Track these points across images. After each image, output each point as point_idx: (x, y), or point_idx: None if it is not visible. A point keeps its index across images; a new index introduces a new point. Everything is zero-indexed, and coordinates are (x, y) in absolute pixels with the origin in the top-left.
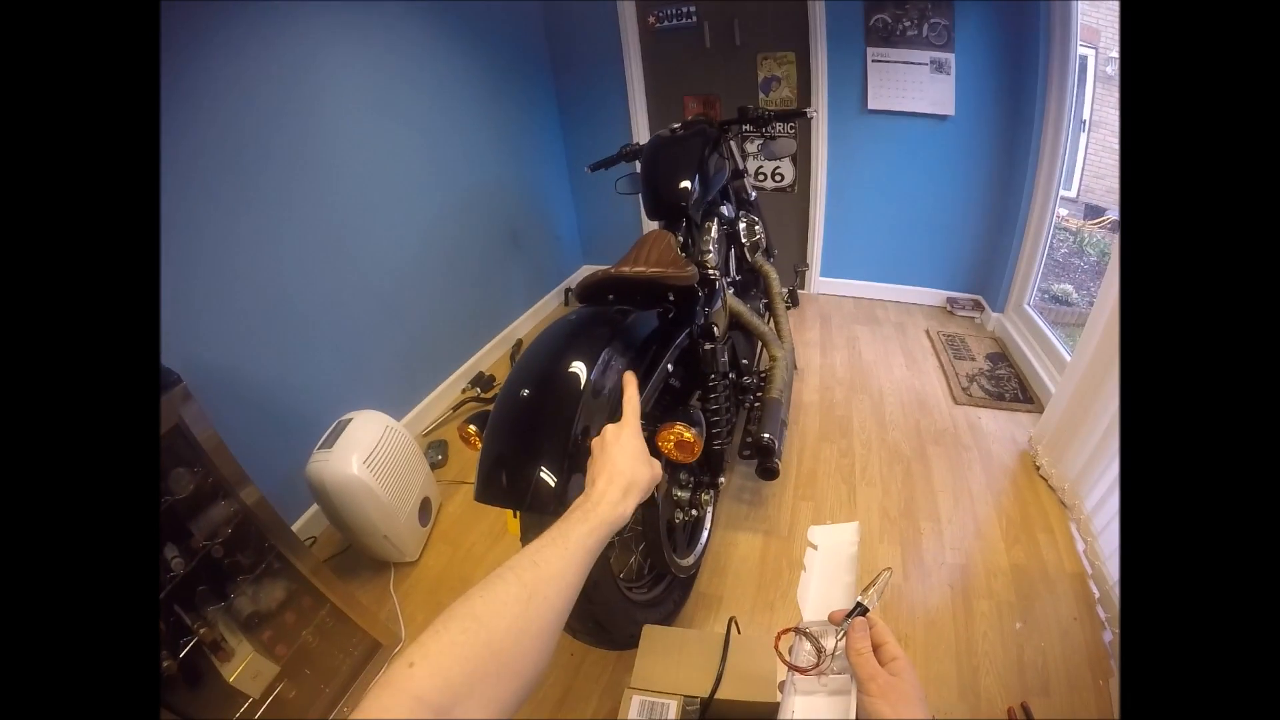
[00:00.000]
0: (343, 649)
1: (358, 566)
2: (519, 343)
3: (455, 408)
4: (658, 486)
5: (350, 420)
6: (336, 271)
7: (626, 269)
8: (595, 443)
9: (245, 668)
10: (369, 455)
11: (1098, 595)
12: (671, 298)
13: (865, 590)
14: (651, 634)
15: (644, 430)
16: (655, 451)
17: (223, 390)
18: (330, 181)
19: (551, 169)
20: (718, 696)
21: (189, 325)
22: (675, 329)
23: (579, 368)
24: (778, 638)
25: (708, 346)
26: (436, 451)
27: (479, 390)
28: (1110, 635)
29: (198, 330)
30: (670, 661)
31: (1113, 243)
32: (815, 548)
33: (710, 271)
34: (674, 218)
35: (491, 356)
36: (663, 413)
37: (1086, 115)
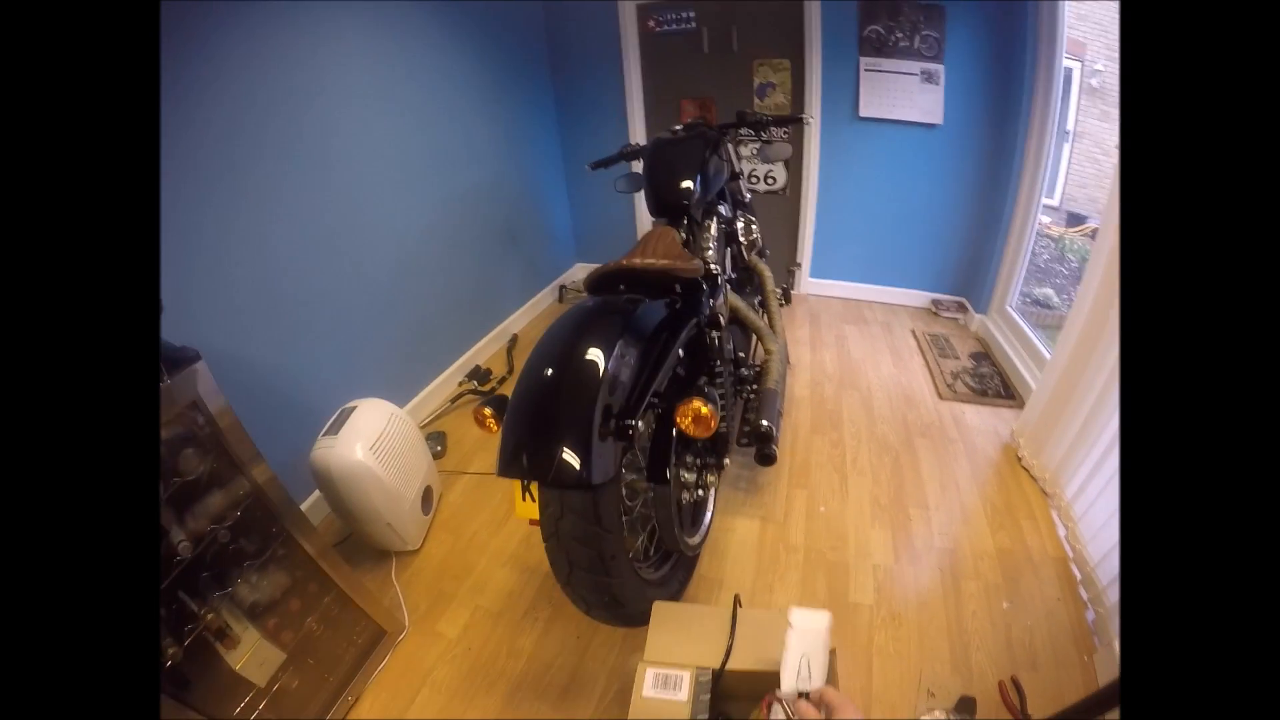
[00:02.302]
0: (347, 637)
1: (359, 556)
2: (514, 337)
3: (453, 400)
4: (668, 467)
5: (354, 408)
6: (336, 262)
7: (638, 261)
8: None
9: (251, 655)
10: (374, 442)
11: (1079, 577)
12: (678, 289)
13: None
14: (662, 609)
15: (659, 408)
16: (673, 426)
17: (222, 378)
18: (332, 173)
19: (548, 167)
20: (728, 668)
21: (191, 312)
22: (682, 319)
23: (598, 353)
24: (765, 705)
25: (714, 334)
26: (435, 442)
27: (476, 383)
28: (1093, 614)
29: (199, 318)
30: (681, 635)
31: (1092, 249)
32: (792, 627)
33: (713, 267)
34: (676, 216)
35: (488, 350)
36: (676, 392)
37: (1070, 126)
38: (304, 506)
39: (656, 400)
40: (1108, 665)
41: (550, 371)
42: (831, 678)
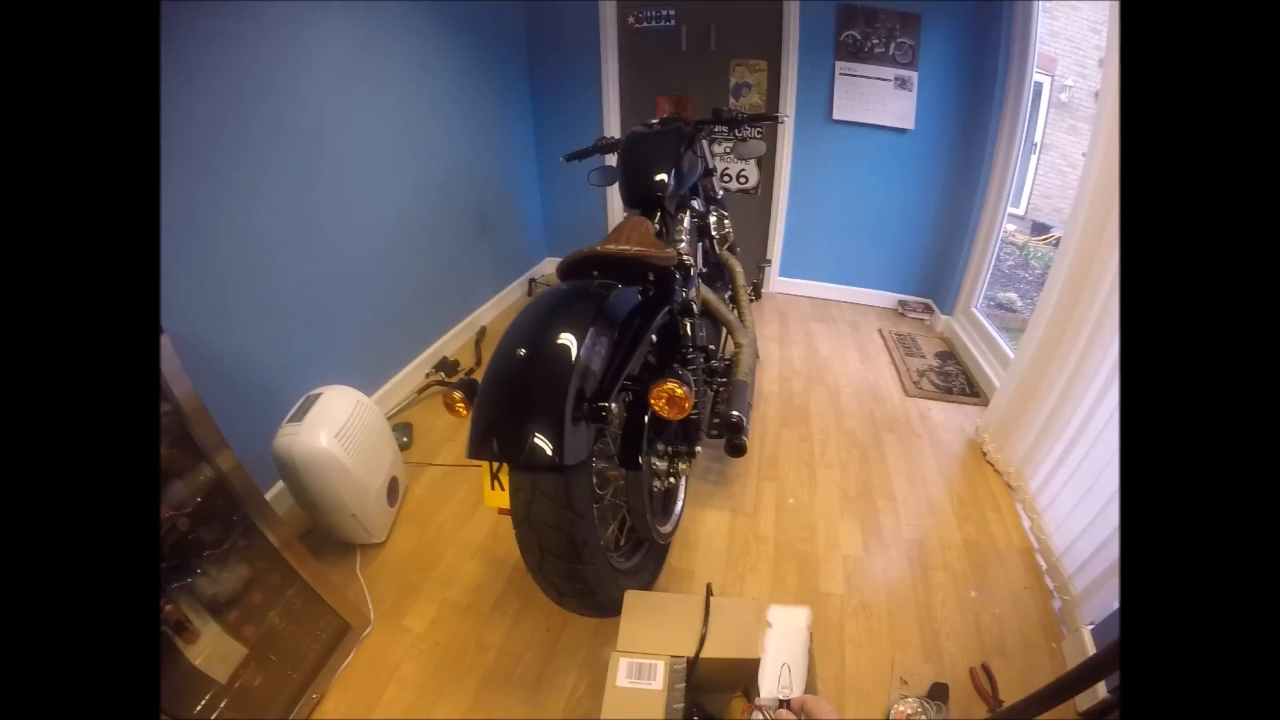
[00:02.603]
0: (311, 632)
1: (322, 550)
2: (483, 330)
3: (420, 391)
4: (640, 453)
5: (320, 394)
6: (307, 247)
7: (612, 247)
8: None
9: (212, 650)
10: (339, 429)
11: (1045, 567)
12: (651, 277)
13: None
14: (634, 599)
15: (634, 389)
16: (646, 408)
17: (184, 360)
18: (307, 158)
19: (522, 160)
20: (703, 656)
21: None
22: (655, 306)
23: (570, 337)
24: (747, 711)
25: (687, 321)
26: (401, 433)
27: (443, 375)
28: (1059, 603)
29: (168, 300)
30: (654, 624)
31: (1055, 255)
32: (771, 626)
33: (685, 257)
34: (649, 208)
35: (456, 342)
36: (648, 378)
37: (1038, 138)
38: (266, 498)
39: (630, 383)
40: (1075, 651)
41: (522, 354)
42: (812, 681)
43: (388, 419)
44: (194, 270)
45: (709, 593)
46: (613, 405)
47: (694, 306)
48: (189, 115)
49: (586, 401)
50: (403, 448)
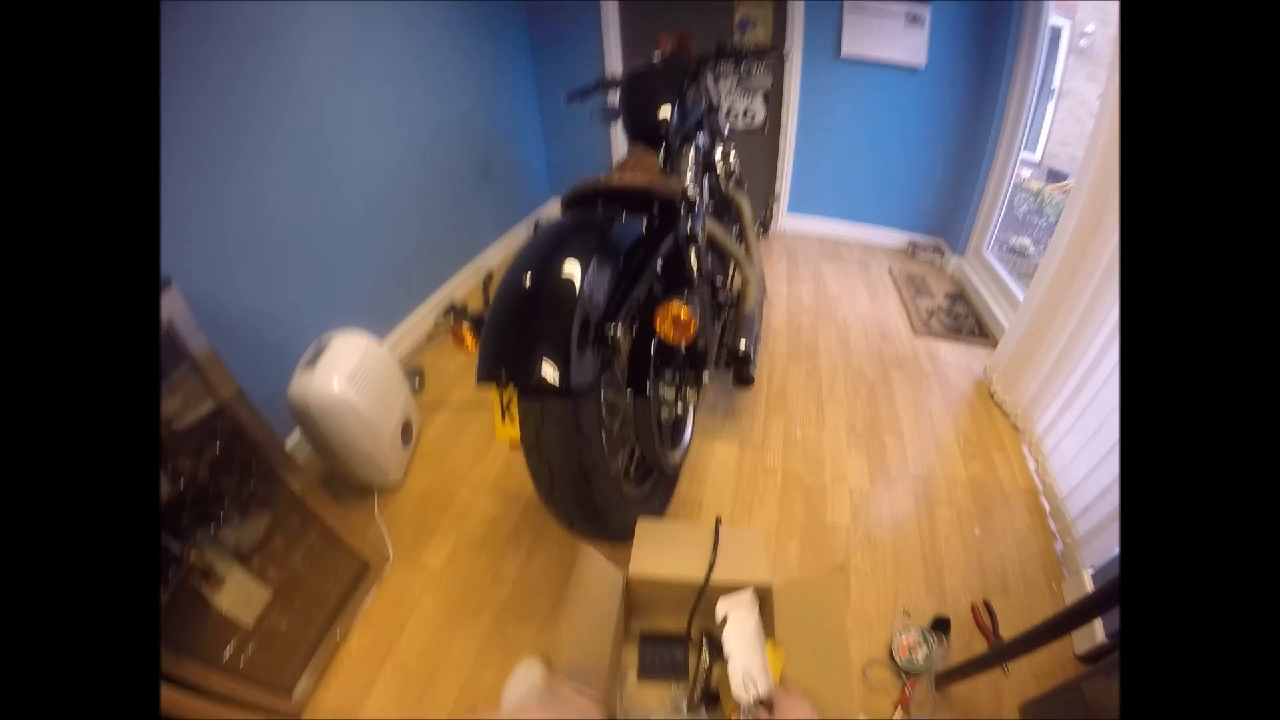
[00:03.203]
0: (332, 573)
1: (340, 494)
2: (490, 274)
3: (429, 336)
4: (648, 379)
5: (330, 340)
6: (308, 199)
7: (616, 178)
8: None
9: (237, 594)
10: (352, 374)
11: (1048, 509)
12: (656, 209)
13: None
14: (645, 526)
15: (637, 320)
16: (653, 334)
17: (198, 317)
18: (303, 109)
19: (522, 102)
20: (711, 582)
21: (165, 249)
22: (659, 236)
23: (575, 264)
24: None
25: (693, 250)
26: (413, 377)
27: (452, 318)
28: (1061, 545)
29: (173, 255)
30: (664, 550)
31: (1067, 201)
32: (724, 621)
33: (690, 188)
34: (653, 142)
35: (463, 286)
36: (654, 307)
37: (1057, 84)
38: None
39: (636, 309)
40: (1075, 593)
41: (528, 282)
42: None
43: (399, 364)
44: (193, 226)
45: (718, 523)
46: (619, 328)
47: (699, 236)
48: (180, 72)
49: (592, 327)
50: (415, 391)
